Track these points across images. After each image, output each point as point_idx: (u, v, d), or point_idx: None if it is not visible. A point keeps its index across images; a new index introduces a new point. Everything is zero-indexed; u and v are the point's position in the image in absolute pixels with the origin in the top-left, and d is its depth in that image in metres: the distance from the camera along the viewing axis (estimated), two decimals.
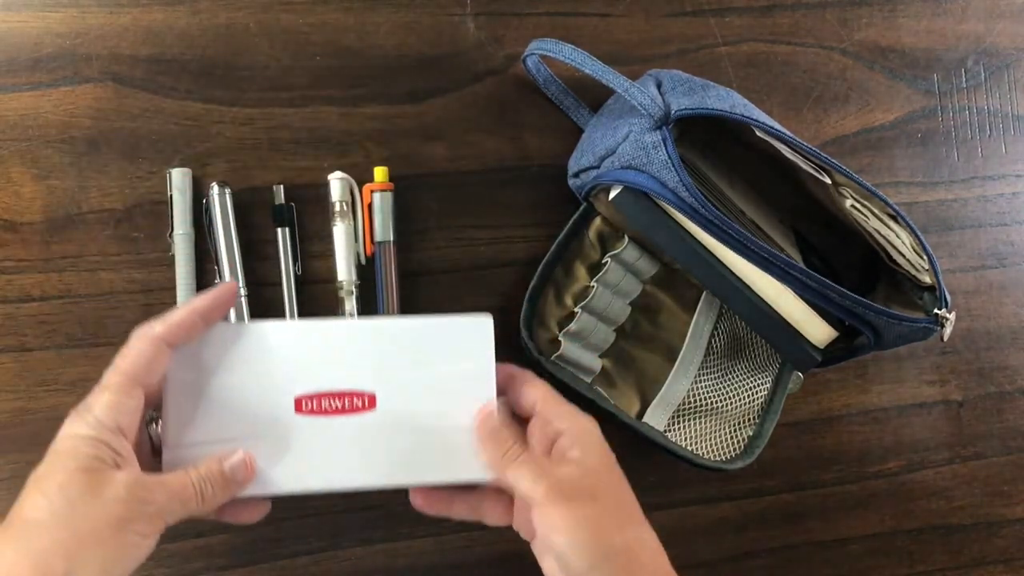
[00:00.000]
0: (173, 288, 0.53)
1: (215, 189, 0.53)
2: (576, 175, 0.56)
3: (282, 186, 0.55)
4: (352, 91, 0.57)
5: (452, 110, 0.58)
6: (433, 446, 0.45)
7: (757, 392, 0.59)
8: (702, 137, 0.58)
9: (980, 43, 0.68)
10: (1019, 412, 0.67)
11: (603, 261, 0.57)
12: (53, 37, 0.53)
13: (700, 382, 0.59)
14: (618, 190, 0.52)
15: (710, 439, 0.58)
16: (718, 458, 0.57)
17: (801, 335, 0.53)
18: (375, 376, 0.44)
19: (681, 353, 0.59)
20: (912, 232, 0.50)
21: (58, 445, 0.38)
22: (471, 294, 0.58)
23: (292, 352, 0.44)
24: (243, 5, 0.56)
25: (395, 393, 0.45)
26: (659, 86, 0.53)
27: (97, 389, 0.39)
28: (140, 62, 0.54)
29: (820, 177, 0.52)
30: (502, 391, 0.46)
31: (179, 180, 0.53)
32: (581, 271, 0.57)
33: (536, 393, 0.45)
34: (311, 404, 0.44)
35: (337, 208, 0.55)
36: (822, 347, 0.54)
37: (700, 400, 0.58)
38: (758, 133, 0.50)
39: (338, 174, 0.55)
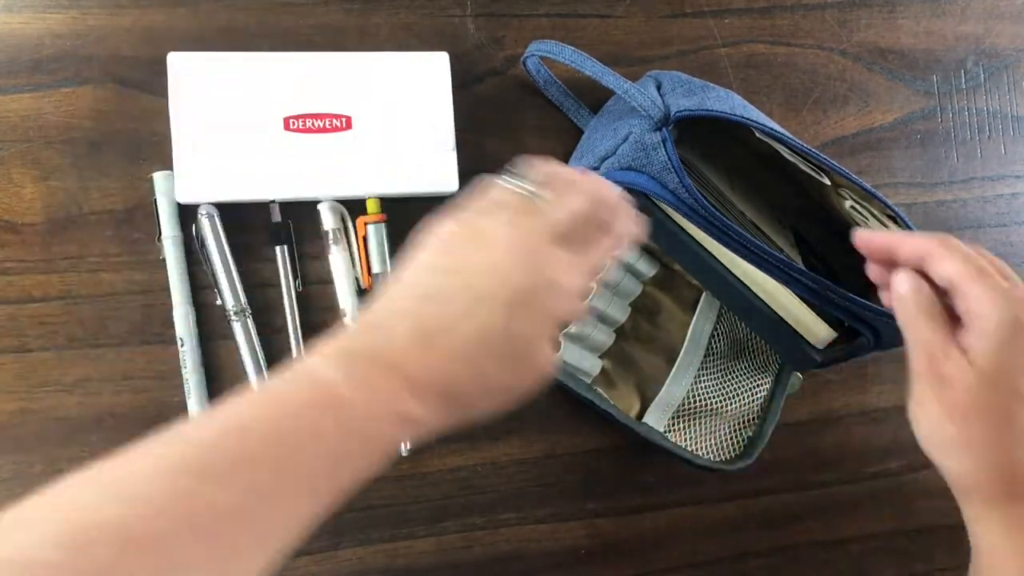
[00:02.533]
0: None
1: (205, 220, 0.53)
2: None
3: (278, 204, 0.54)
4: None
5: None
6: (404, 163, 0.55)
7: (757, 393, 0.59)
8: (702, 138, 0.58)
9: (979, 44, 0.68)
10: None
11: None
12: (54, 38, 0.53)
13: (700, 383, 0.59)
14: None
15: (710, 440, 0.58)
16: (718, 459, 0.57)
17: (800, 335, 0.53)
18: (350, 102, 0.54)
19: (681, 354, 0.59)
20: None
21: None
22: None
23: (278, 80, 0.53)
24: (244, 6, 0.56)
25: (368, 117, 0.54)
26: (659, 87, 0.53)
27: None
28: (141, 63, 0.54)
29: (819, 178, 0.52)
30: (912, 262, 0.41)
31: (162, 184, 0.53)
32: None
33: (951, 267, 0.39)
34: (297, 123, 0.53)
35: (331, 237, 0.55)
36: (821, 347, 0.54)
37: (700, 401, 0.58)
38: (758, 135, 0.50)
39: (327, 203, 0.55)
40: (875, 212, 0.52)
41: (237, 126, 0.53)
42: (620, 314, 0.58)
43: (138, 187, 0.54)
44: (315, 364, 0.33)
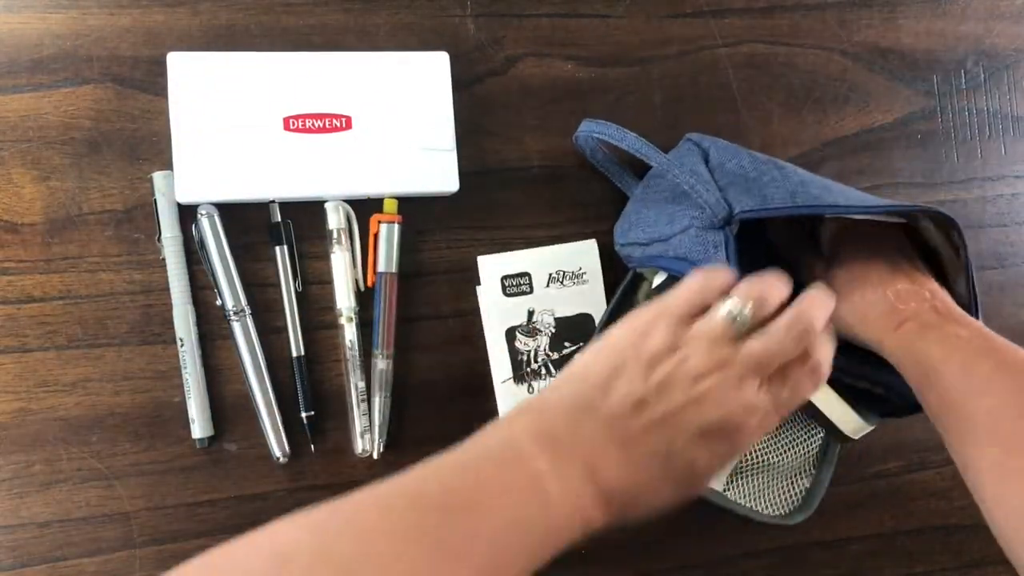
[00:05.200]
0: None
1: (204, 220, 0.53)
2: (623, 247, 0.57)
3: (277, 204, 0.54)
4: None
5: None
6: (404, 163, 0.55)
7: (811, 443, 0.59)
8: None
9: (979, 44, 0.68)
10: None
11: None
12: (54, 38, 0.53)
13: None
14: (662, 278, 0.53)
15: (768, 494, 0.58)
16: (777, 512, 0.57)
17: (835, 426, 0.53)
18: (350, 102, 0.54)
19: None
20: (966, 270, 0.49)
21: None
22: (471, 295, 0.58)
23: (278, 80, 0.53)
24: (244, 6, 0.56)
25: (368, 117, 0.54)
26: (706, 159, 0.53)
27: None
28: (140, 63, 0.54)
29: (893, 222, 0.51)
30: None
31: (162, 183, 0.53)
32: None
33: None
34: (297, 123, 0.53)
35: (335, 236, 0.55)
36: (856, 438, 0.54)
37: (755, 456, 0.58)
38: (827, 215, 0.50)
39: (332, 203, 0.55)
40: (950, 238, 0.50)
41: (237, 126, 0.53)
42: None
43: (138, 187, 0.54)
44: (524, 448, 0.34)
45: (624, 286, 0.57)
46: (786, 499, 0.58)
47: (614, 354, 0.38)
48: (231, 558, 0.30)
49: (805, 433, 0.59)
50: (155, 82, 0.54)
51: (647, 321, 0.39)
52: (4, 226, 0.52)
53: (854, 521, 0.63)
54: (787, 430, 0.59)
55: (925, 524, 0.64)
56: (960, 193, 0.67)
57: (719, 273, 0.40)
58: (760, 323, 0.39)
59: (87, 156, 0.53)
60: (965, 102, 0.68)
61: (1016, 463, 0.40)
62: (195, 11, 0.55)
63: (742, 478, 0.58)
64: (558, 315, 0.58)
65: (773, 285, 0.39)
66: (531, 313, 0.57)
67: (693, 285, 0.40)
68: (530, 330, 0.57)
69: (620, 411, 0.37)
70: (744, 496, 0.57)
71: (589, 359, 0.39)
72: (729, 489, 0.57)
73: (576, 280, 0.58)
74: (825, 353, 0.40)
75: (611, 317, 0.56)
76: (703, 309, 0.39)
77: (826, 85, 0.65)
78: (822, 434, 0.59)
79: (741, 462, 0.58)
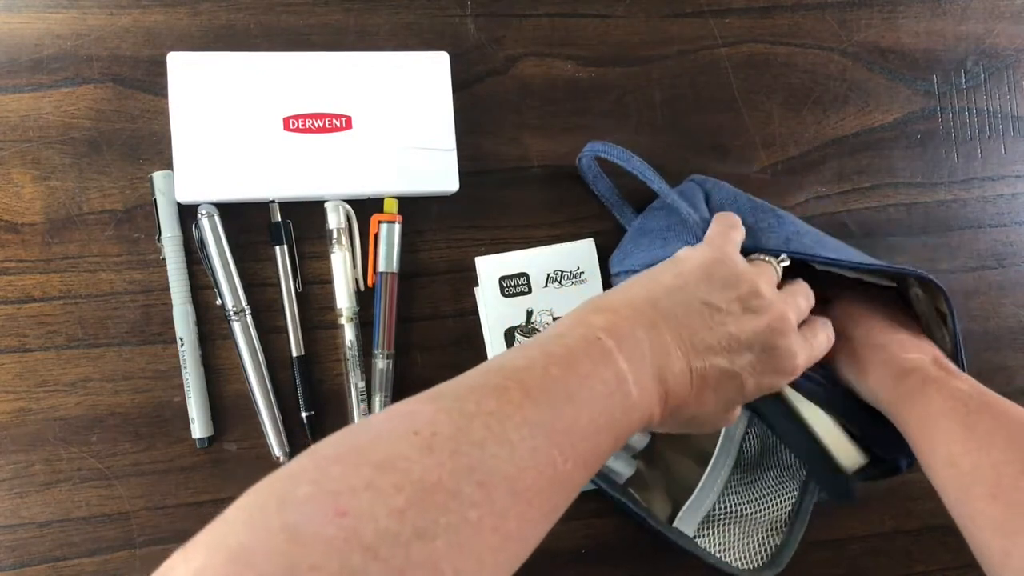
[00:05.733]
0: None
1: (204, 220, 0.53)
2: (617, 275, 0.57)
3: (278, 204, 0.54)
4: None
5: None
6: (404, 163, 0.55)
7: (785, 500, 0.59)
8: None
9: (980, 44, 0.68)
10: None
11: None
12: (54, 38, 0.53)
13: (731, 488, 0.58)
14: None
15: (739, 546, 0.57)
16: (746, 566, 0.57)
17: (831, 458, 0.53)
18: (350, 102, 0.54)
19: (713, 457, 0.58)
20: (954, 339, 0.50)
21: None
22: (471, 294, 0.58)
23: (278, 80, 0.53)
24: (244, 6, 0.56)
25: (368, 116, 0.54)
26: (707, 199, 0.53)
27: None
28: (141, 63, 0.54)
29: (884, 284, 0.52)
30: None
31: (162, 183, 0.53)
32: None
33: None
34: (297, 123, 0.53)
35: (335, 236, 0.55)
36: (852, 470, 0.53)
37: (730, 506, 0.58)
38: (818, 266, 0.50)
39: (332, 202, 0.55)
40: (937, 305, 0.51)
41: (237, 126, 0.53)
42: None
43: (138, 187, 0.54)
44: (608, 347, 0.35)
45: None
46: (756, 553, 0.57)
47: (691, 269, 0.41)
48: (374, 434, 0.30)
49: (780, 488, 0.59)
50: (155, 82, 0.54)
51: (718, 245, 0.43)
52: (4, 226, 0.52)
53: (854, 521, 0.63)
54: (764, 484, 0.59)
55: (925, 524, 0.64)
56: (960, 193, 0.67)
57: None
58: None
59: (87, 156, 0.53)
60: (965, 102, 0.68)
61: (1022, 521, 0.40)
62: (195, 11, 0.55)
63: (715, 526, 0.58)
64: (557, 315, 0.58)
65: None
66: (530, 313, 0.57)
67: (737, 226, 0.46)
68: (529, 330, 0.57)
69: (694, 320, 0.38)
70: (715, 545, 0.57)
71: (663, 270, 0.42)
72: (700, 536, 0.57)
73: (574, 280, 0.58)
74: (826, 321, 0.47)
75: None
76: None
77: (826, 85, 0.65)
78: (796, 492, 0.59)
79: (715, 510, 0.58)
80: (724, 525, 0.58)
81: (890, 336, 0.49)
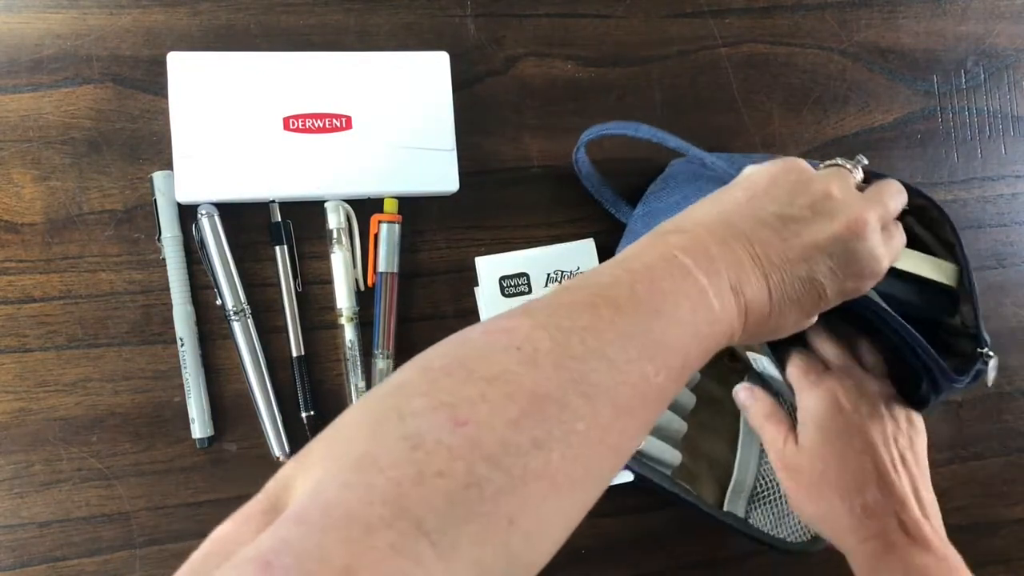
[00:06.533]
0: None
1: (204, 220, 0.53)
2: None
3: (277, 204, 0.54)
4: None
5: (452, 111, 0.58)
6: (404, 163, 0.55)
7: None
8: None
9: (980, 44, 0.68)
10: (1018, 413, 0.67)
11: None
12: (54, 38, 0.53)
13: (765, 463, 0.58)
14: None
15: (788, 521, 0.57)
16: (799, 539, 0.56)
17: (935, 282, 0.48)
18: (350, 102, 0.54)
19: (740, 435, 0.58)
20: (964, 266, 0.47)
21: None
22: (472, 294, 0.58)
23: (277, 80, 0.53)
24: (244, 6, 0.56)
25: (368, 117, 0.54)
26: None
27: None
28: (141, 63, 0.54)
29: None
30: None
31: (162, 183, 0.53)
32: None
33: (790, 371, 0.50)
34: (297, 123, 0.53)
35: (335, 236, 0.55)
36: (954, 287, 0.49)
37: (771, 481, 0.58)
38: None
39: (333, 202, 0.55)
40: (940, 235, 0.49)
41: (237, 126, 0.53)
42: (689, 400, 0.58)
43: (138, 187, 0.54)
44: (687, 263, 0.35)
45: None
46: (805, 527, 0.57)
47: (759, 182, 0.40)
48: (477, 348, 0.29)
49: None
50: (155, 82, 0.54)
51: (785, 160, 0.41)
52: (4, 226, 0.52)
53: None
54: None
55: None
56: (960, 193, 0.67)
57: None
58: None
59: (87, 156, 0.53)
60: (965, 102, 0.68)
61: None
62: (195, 11, 0.55)
63: (762, 504, 0.58)
64: None
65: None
66: None
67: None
68: None
69: (766, 233, 0.38)
70: (766, 522, 0.57)
71: (732, 187, 0.40)
72: (751, 516, 0.57)
73: None
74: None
75: None
76: None
77: (826, 85, 0.65)
78: None
79: (757, 487, 0.58)
80: (770, 502, 0.58)
81: (858, 496, 0.47)
